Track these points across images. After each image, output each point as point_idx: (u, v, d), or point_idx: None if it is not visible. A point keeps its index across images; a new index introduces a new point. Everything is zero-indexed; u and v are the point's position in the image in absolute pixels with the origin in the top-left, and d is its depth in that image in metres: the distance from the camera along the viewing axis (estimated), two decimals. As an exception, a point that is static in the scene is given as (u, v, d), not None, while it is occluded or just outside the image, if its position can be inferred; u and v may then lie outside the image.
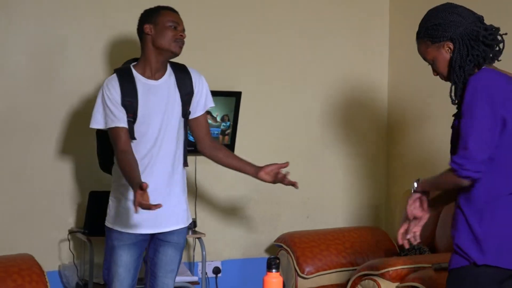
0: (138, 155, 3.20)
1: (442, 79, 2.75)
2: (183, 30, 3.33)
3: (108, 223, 3.31)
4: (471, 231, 2.60)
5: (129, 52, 3.74)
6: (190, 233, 4.31)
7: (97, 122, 3.26)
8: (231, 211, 4.70)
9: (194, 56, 4.52)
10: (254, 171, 3.45)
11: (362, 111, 5.04)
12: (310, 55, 4.91)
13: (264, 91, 4.78)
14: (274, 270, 2.95)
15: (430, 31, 2.68)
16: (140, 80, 3.28)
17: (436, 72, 2.76)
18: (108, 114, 3.20)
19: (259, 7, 4.78)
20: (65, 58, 4.25)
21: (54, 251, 4.24)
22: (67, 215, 4.28)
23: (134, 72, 3.29)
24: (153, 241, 3.35)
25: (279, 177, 3.43)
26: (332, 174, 4.98)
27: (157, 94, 3.27)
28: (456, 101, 2.69)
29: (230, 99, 4.50)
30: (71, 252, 4.26)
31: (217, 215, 4.66)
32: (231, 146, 4.55)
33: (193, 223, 4.34)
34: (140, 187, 2.86)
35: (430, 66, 2.76)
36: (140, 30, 3.33)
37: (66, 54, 4.26)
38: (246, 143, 4.66)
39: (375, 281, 3.83)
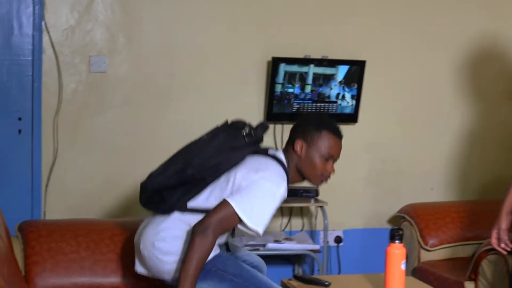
0: None
1: None
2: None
3: None
4: None
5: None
6: (312, 201, 4.32)
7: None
8: (353, 181, 4.67)
9: (317, 23, 4.52)
10: None
11: (496, 80, 4.85)
12: (438, 20, 4.76)
13: (390, 59, 4.68)
14: (397, 241, 2.93)
15: None
16: None
17: None
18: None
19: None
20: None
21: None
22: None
23: None
24: None
25: None
26: (458, 145, 4.84)
27: None
28: None
29: (354, 68, 4.45)
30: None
31: (339, 184, 4.62)
32: (354, 117, 4.52)
33: (316, 192, 4.34)
34: None
35: None
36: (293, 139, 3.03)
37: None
38: (370, 114, 4.60)
39: (502, 256, 3.71)
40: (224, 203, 2.83)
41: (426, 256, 4.33)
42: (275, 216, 4.45)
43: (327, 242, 4.38)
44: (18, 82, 4.05)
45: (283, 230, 4.53)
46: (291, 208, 4.52)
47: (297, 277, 3.23)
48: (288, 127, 4.46)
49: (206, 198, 2.92)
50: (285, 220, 4.56)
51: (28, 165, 4.08)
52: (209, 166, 2.90)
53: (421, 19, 4.73)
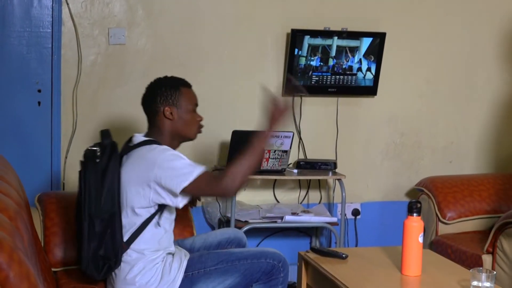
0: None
1: None
2: None
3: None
4: None
5: None
6: (330, 174, 4.33)
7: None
8: (372, 154, 4.67)
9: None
10: None
11: (507, 55, 4.81)
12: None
13: (410, 31, 4.65)
14: (415, 214, 2.93)
15: None
16: None
17: None
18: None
19: None
20: None
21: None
22: (211, 153, 4.38)
23: None
24: None
25: None
26: (478, 118, 4.82)
27: None
28: None
29: (374, 40, 4.42)
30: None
31: (357, 157, 4.64)
32: (373, 89, 4.50)
33: (334, 165, 4.35)
34: None
35: None
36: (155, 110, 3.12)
37: None
38: (390, 87, 4.58)
39: (520, 229, 3.72)
40: (182, 185, 2.92)
41: (444, 229, 4.33)
42: (292, 188, 4.52)
43: (345, 215, 4.39)
44: (37, 54, 4.07)
45: (301, 203, 4.54)
46: (309, 181, 4.53)
47: (314, 249, 3.24)
48: (306, 100, 4.48)
49: (130, 221, 3.02)
50: (303, 192, 4.57)
51: (48, 137, 4.11)
52: (105, 203, 2.98)
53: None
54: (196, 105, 3.20)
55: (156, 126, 3.13)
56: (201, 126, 3.21)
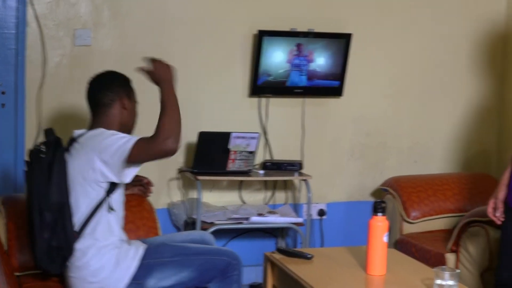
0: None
1: None
2: None
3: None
4: None
5: None
6: (296, 174, 4.35)
7: None
8: (337, 154, 4.70)
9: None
10: None
11: (478, 55, 4.87)
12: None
13: (377, 32, 4.69)
14: (380, 213, 2.96)
15: None
16: None
17: None
18: None
19: None
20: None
21: (164, 189, 4.37)
22: (177, 155, 4.37)
23: None
24: None
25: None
26: (442, 119, 4.87)
27: None
28: None
29: (339, 41, 4.45)
30: (180, 190, 4.38)
31: (323, 158, 4.67)
32: (339, 90, 4.53)
33: (300, 165, 4.37)
34: None
35: None
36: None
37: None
38: (356, 87, 4.61)
39: (483, 228, 3.76)
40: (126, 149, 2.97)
41: (408, 229, 4.38)
42: (258, 189, 4.53)
43: (310, 215, 4.42)
44: (1, 55, 4.03)
45: (267, 204, 4.56)
46: (275, 181, 4.55)
47: (280, 250, 3.25)
48: (274, 100, 4.50)
49: (80, 208, 3.06)
50: (269, 193, 4.58)
51: (12, 140, 4.07)
52: (54, 195, 3.02)
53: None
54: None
55: (106, 117, 3.18)
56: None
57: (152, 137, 2.98)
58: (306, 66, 4.42)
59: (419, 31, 4.78)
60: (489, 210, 3.27)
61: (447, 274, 2.73)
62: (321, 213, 4.66)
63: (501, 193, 3.23)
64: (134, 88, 3.28)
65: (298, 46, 4.39)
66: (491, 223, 3.65)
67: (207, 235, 3.49)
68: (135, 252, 3.10)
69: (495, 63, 4.90)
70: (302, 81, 4.43)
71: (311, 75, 4.45)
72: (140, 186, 3.56)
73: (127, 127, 3.23)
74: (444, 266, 2.90)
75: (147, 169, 4.26)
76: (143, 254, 3.10)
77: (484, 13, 4.85)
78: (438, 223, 4.42)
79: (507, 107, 4.86)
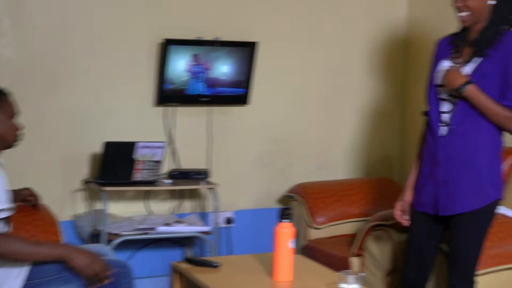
0: None
1: (463, 19, 2.98)
2: None
3: None
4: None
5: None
6: (203, 183, 4.35)
7: None
8: (245, 162, 4.72)
9: (209, 3, 4.53)
10: None
11: (380, 60, 4.99)
12: (325, 0, 4.85)
13: (282, 40, 4.73)
14: (286, 220, 2.99)
15: None
16: None
17: (466, 8, 2.93)
18: None
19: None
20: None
21: (68, 201, 4.29)
22: (81, 165, 4.31)
23: None
24: None
25: None
26: (346, 125, 4.96)
27: None
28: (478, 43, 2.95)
29: (244, 49, 4.48)
30: (85, 202, 4.32)
31: (231, 166, 4.68)
32: (245, 98, 4.55)
33: (207, 174, 4.37)
34: None
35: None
36: None
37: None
38: (262, 95, 4.65)
39: (386, 231, 3.85)
40: None
41: (315, 234, 4.44)
42: (165, 199, 4.51)
43: (218, 223, 4.42)
44: None
45: (174, 213, 4.53)
46: (182, 190, 4.53)
47: (187, 260, 3.25)
48: (181, 109, 4.49)
49: None
50: (176, 203, 4.56)
51: None
52: None
53: (313, 1, 4.81)
54: (16, 113, 3.13)
55: None
56: (20, 135, 3.13)
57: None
58: (203, 74, 4.42)
59: (323, 38, 4.85)
60: (397, 213, 3.34)
61: (351, 277, 2.79)
62: (229, 221, 4.67)
63: (408, 196, 3.30)
64: (11, 99, 3.08)
65: (195, 55, 4.37)
66: (394, 226, 3.75)
67: (104, 247, 3.41)
68: (18, 272, 2.99)
69: (397, 68, 5.03)
70: (200, 88, 4.42)
71: (213, 83, 4.45)
72: (22, 201, 3.46)
73: (2, 140, 3.06)
74: (349, 270, 2.95)
75: (50, 180, 4.21)
76: (27, 274, 2.99)
77: (385, 18, 4.97)
78: (344, 228, 4.50)
79: (408, 112, 5.00)
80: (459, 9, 3.00)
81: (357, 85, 4.96)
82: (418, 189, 3.21)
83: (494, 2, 2.97)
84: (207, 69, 4.43)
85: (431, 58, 3.24)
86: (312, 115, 4.88)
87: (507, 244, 3.43)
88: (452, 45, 3.12)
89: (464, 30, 3.08)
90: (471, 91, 2.97)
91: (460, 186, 3.04)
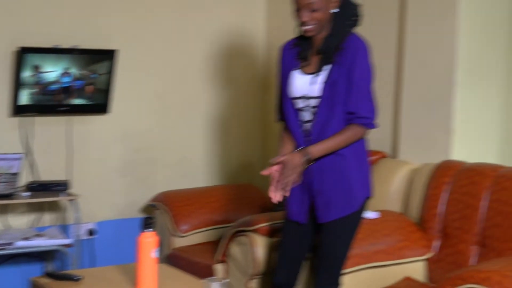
0: None
1: (309, 31, 3.00)
2: None
3: None
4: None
5: None
6: (63, 195, 4.25)
7: None
8: (106, 172, 4.65)
9: (67, 10, 4.43)
10: None
11: (240, 69, 5.06)
12: (190, 12, 4.87)
13: (142, 49, 4.71)
14: (149, 229, 2.97)
15: None
16: None
17: (312, 20, 2.97)
18: None
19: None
20: None
21: None
22: None
23: None
24: None
25: None
26: (207, 132, 4.99)
27: None
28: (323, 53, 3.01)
29: (104, 57, 4.41)
30: None
31: (92, 176, 4.60)
32: (105, 107, 4.48)
33: (67, 185, 4.27)
34: None
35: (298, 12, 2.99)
36: None
37: None
38: (124, 104, 4.60)
39: (248, 236, 3.89)
40: None
41: (179, 242, 4.43)
42: (24, 212, 4.37)
43: (80, 235, 4.33)
44: None
45: (34, 227, 4.39)
46: (42, 203, 4.40)
47: (47, 274, 3.16)
48: (39, 120, 4.36)
49: None
50: (35, 216, 4.43)
51: None
52: None
53: (174, 9, 4.81)
54: None
55: None
56: None
57: None
58: (62, 82, 4.31)
59: (183, 46, 4.87)
60: (271, 194, 3.08)
61: (215, 284, 2.80)
62: (91, 232, 4.58)
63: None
64: None
65: (54, 64, 4.26)
66: (257, 231, 3.80)
67: None
68: None
69: (257, 77, 5.12)
70: (59, 97, 4.31)
71: (73, 92, 4.35)
72: None
73: None
74: (213, 277, 2.97)
75: None
76: None
77: (244, 27, 5.04)
78: (208, 235, 4.52)
79: (269, 119, 5.07)
80: (305, 23, 3.02)
81: (218, 93, 5.00)
82: (289, 198, 3.19)
83: (337, 10, 3.03)
84: (65, 77, 4.33)
85: (277, 65, 3.24)
86: (173, 123, 4.88)
87: (366, 244, 3.55)
88: (299, 55, 3.13)
89: (308, 39, 3.10)
90: (314, 152, 2.99)
91: (332, 194, 3.08)
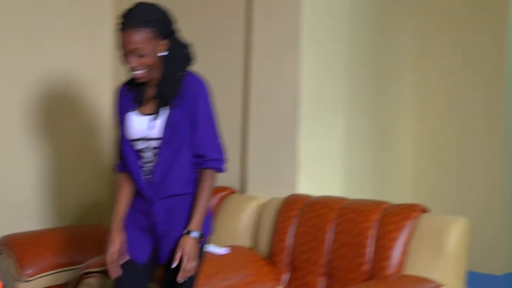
0: None
1: (139, 77, 2.93)
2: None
3: None
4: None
5: None
6: None
7: None
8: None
9: None
10: None
11: (83, 108, 4.98)
12: (26, 49, 4.72)
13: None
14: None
15: (158, 24, 2.88)
16: None
17: (140, 66, 2.90)
18: None
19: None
20: None
21: None
22: None
23: None
24: None
25: None
26: (45, 171, 4.81)
27: None
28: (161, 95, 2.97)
29: None
30: None
31: None
32: None
33: None
34: None
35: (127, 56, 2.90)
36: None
37: None
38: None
39: (98, 277, 3.80)
40: None
41: (26, 287, 4.26)
42: None
43: None
44: None
45: None
46: None
47: None
48: None
49: None
50: None
51: None
52: None
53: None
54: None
55: None
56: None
57: None
58: None
59: (31, 71, 4.72)
60: (110, 266, 3.15)
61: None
62: None
63: (117, 243, 3.16)
64: None
65: None
66: (106, 272, 3.71)
67: None
68: None
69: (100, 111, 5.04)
70: None
71: None
72: None
73: None
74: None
75: None
76: None
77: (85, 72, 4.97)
78: (56, 277, 4.36)
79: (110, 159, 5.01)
80: (134, 69, 2.94)
81: (48, 132, 4.82)
82: (128, 237, 3.14)
83: (166, 53, 2.96)
84: None
85: (114, 109, 3.15)
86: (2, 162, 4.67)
87: (216, 280, 3.56)
88: (135, 99, 3.06)
89: (140, 84, 3.03)
90: (197, 226, 2.99)
91: (175, 235, 3.04)
